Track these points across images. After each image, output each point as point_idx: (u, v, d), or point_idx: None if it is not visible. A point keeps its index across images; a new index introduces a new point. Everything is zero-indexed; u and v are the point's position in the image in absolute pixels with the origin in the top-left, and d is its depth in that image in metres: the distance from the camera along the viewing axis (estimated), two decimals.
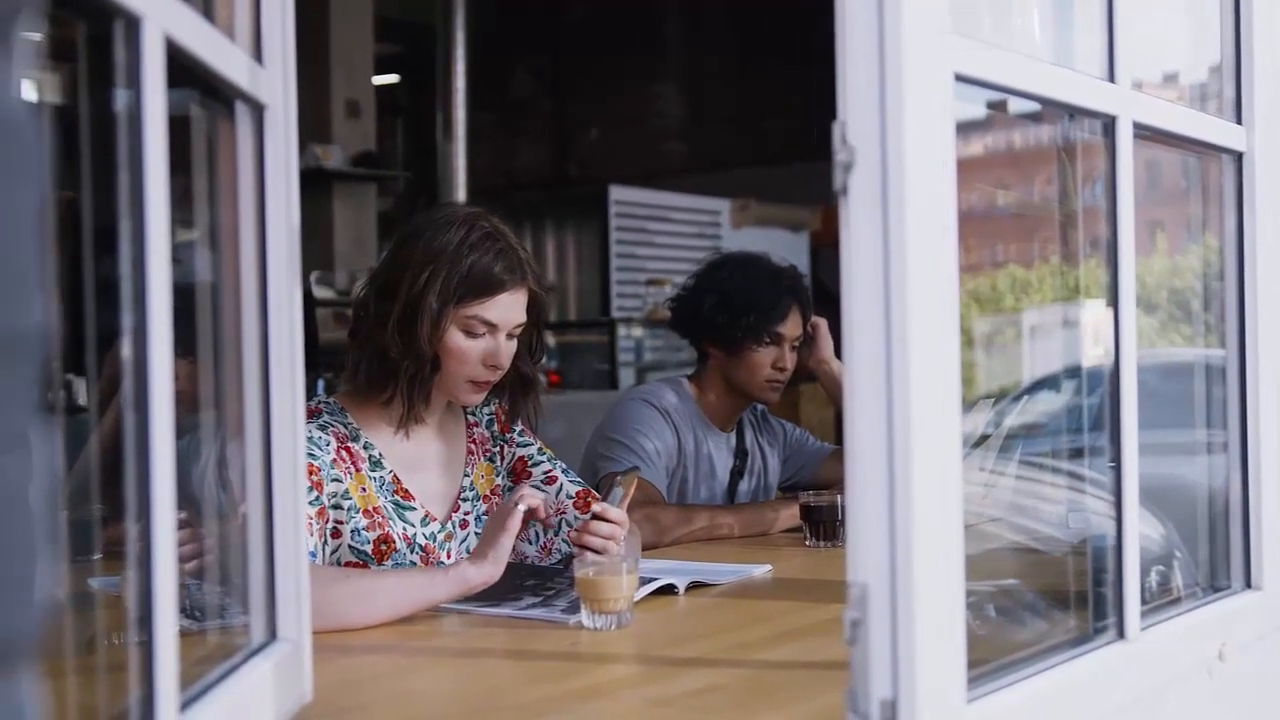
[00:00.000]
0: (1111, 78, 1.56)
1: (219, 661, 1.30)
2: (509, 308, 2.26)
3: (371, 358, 2.25)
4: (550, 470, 2.45)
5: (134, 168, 1.02)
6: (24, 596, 0.58)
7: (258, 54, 1.38)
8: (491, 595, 2.08)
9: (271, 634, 1.41)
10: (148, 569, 1.03)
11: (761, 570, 2.43)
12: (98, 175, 1.07)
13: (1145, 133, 1.62)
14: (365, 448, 2.28)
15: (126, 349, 1.02)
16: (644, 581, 2.10)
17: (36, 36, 0.62)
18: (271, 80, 1.40)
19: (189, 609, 1.34)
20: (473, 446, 2.44)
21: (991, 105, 1.52)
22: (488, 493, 2.43)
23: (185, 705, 1.11)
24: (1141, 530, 1.60)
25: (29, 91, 0.60)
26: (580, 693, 1.65)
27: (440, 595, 2.01)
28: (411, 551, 2.27)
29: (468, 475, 2.41)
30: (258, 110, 1.38)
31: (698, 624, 2.07)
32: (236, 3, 1.36)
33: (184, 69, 1.14)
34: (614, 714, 1.57)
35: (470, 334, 2.24)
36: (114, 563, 1.21)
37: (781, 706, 1.56)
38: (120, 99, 1.02)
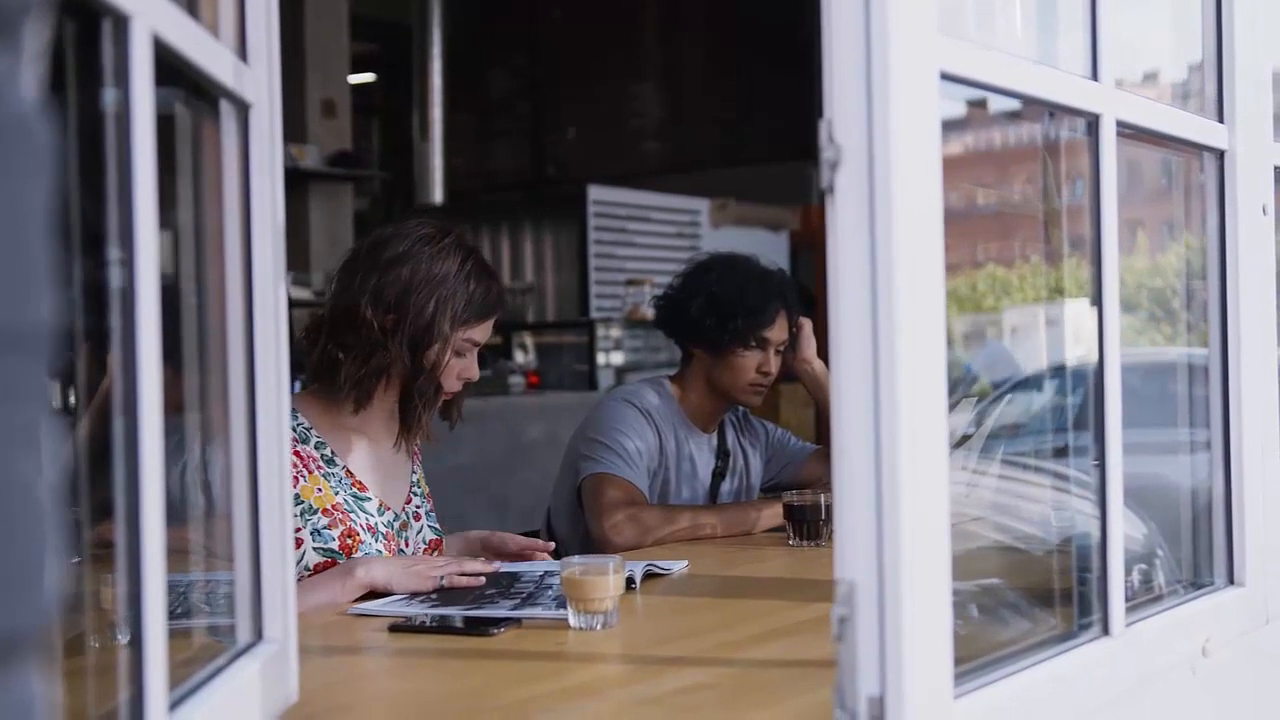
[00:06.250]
0: (1095, 76, 1.56)
1: (205, 662, 1.29)
2: (491, 328, 2.44)
3: (373, 373, 2.33)
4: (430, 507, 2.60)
5: (122, 167, 1.01)
6: (34, 591, 0.59)
7: (242, 52, 1.38)
8: (468, 601, 2.08)
9: (258, 634, 1.40)
10: (137, 571, 1.02)
11: (680, 566, 2.44)
12: (82, 174, 1.07)
13: (1128, 131, 1.63)
14: (316, 447, 2.36)
15: (115, 351, 1.01)
16: None
17: (45, 34, 0.62)
18: (257, 79, 1.39)
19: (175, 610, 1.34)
20: (415, 449, 2.55)
21: (971, 103, 1.53)
22: (428, 492, 2.57)
23: (173, 706, 1.11)
24: (1124, 529, 1.61)
25: (37, 88, 0.60)
26: (568, 692, 1.64)
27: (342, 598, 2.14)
28: (375, 540, 2.35)
29: (415, 473, 2.53)
30: (243, 109, 1.37)
31: (683, 623, 2.07)
32: (220, 0, 1.36)
33: (169, 67, 1.13)
34: (602, 713, 1.57)
35: (459, 354, 2.38)
36: (97, 565, 1.20)
37: (769, 704, 1.56)
38: (107, 97, 1.02)
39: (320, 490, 2.31)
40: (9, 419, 0.57)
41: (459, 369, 2.39)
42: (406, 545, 2.43)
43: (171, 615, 1.12)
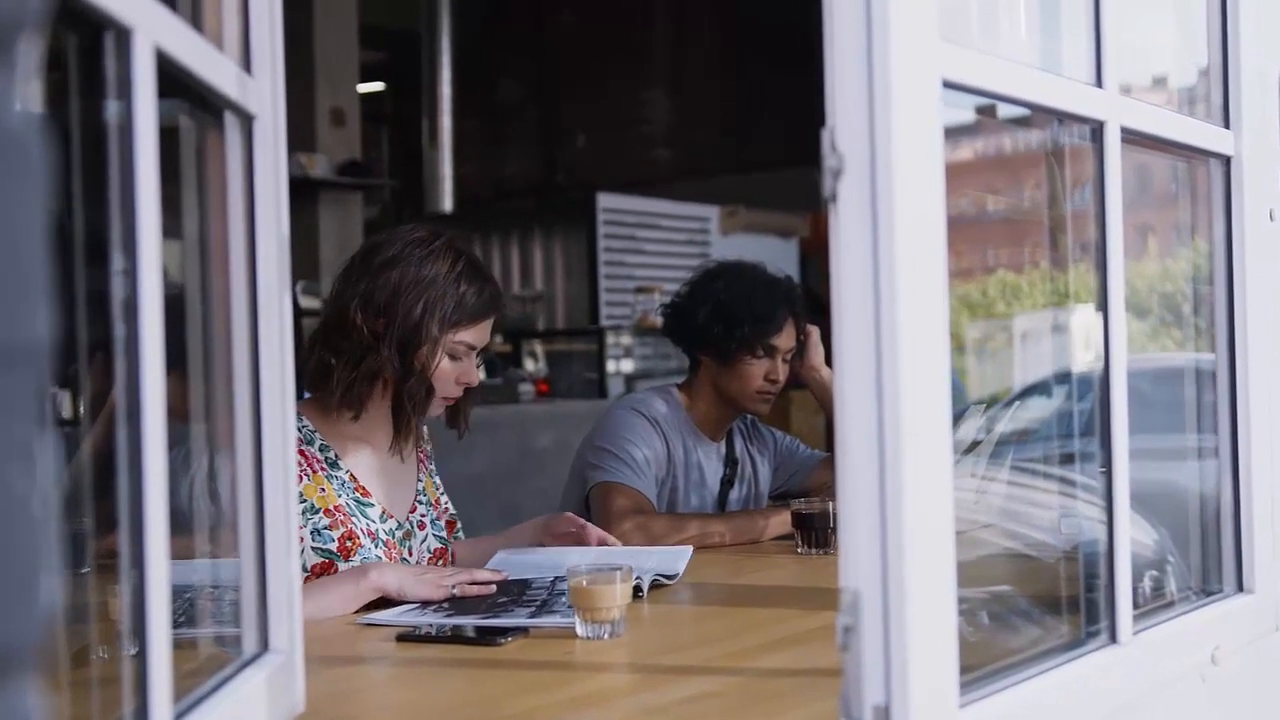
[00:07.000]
0: (1099, 83, 1.56)
1: (211, 672, 1.30)
2: (487, 332, 2.42)
3: (365, 377, 2.33)
4: (447, 504, 2.61)
5: (125, 179, 1.02)
6: (28, 605, 0.59)
7: (246, 64, 1.38)
8: (481, 610, 2.08)
9: (264, 645, 1.40)
10: (141, 582, 1.02)
11: (684, 554, 2.47)
12: (86, 186, 1.07)
13: (1133, 137, 1.63)
14: (321, 450, 2.36)
15: (118, 361, 1.02)
16: None
17: (40, 47, 0.63)
18: (260, 90, 1.39)
19: (180, 620, 1.34)
20: (422, 457, 2.56)
21: (980, 110, 1.53)
22: (435, 500, 2.55)
23: (178, 717, 1.11)
24: (1134, 536, 1.61)
25: (32, 103, 0.61)
26: (575, 702, 1.64)
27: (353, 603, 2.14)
28: (375, 546, 2.35)
29: (420, 481, 2.52)
30: (247, 120, 1.38)
31: (691, 632, 2.07)
32: (225, 12, 1.36)
33: (173, 79, 1.13)
34: None
35: (453, 357, 2.37)
36: (104, 576, 1.21)
37: (775, 713, 1.55)
38: (110, 110, 1.02)
39: (323, 490, 2.31)
40: (4, 435, 0.57)
41: (456, 373, 2.38)
42: (410, 554, 2.43)
43: (176, 624, 1.12)
